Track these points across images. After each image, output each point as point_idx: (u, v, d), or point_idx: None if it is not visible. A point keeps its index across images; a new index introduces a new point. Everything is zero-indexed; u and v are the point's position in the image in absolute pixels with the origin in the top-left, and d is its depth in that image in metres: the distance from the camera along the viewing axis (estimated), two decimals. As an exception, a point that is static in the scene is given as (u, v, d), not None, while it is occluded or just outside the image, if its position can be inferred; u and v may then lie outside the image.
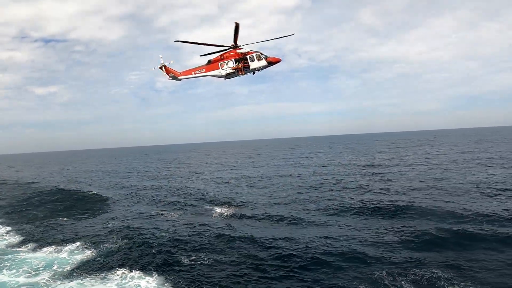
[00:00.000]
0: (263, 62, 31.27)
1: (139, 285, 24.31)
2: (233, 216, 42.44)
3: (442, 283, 21.93)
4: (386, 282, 22.35)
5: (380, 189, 51.99)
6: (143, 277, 25.48)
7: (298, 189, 58.06)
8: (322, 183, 61.47)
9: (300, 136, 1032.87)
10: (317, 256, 26.99)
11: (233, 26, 27.93)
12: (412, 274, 23.24)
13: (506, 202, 39.92)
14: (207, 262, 27.28)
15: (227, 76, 31.79)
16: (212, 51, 30.74)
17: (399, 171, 70.95)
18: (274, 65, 31.88)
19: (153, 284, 24.31)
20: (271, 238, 32.02)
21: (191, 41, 28.86)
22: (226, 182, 72.92)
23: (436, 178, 59.07)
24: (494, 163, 74.95)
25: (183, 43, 28.84)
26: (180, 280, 24.55)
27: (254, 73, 31.76)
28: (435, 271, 23.23)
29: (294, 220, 38.29)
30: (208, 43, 29.56)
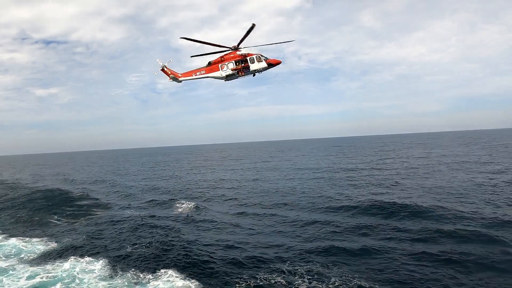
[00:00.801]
0: (263, 64, 31.39)
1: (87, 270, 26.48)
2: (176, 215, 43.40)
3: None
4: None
5: (337, 194, 51.94)
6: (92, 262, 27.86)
7: (256, 193, 58.45)
8: (282, 187, 61.68)
9: (300, 139, 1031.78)
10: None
11: (249, 26, 27.76)
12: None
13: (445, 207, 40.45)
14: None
15: (227, 77, 31.88)
16: (204, 53, 31.03)
17: (366, 175, 71.64)
18: (274, 67, 32.01)
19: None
20: (211, 242, 32.82)
21: (196, 39, 29.19)
22: (197, 183, 73.95)
23: (396, 182, 59.82)
24: (463, 166, 75.54)
25: (187, 40, 28.86)
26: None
27: (254, 75, 31.93)
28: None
29: (233, 225, 38.87)
30: (211, 42, 29.81)
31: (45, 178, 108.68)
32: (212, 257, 27.75)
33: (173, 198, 56.69)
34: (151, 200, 56.41)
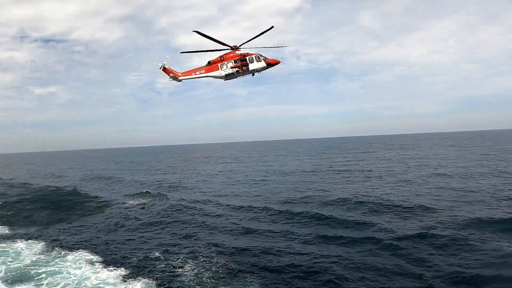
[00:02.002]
0: (262, 64, 31.61)
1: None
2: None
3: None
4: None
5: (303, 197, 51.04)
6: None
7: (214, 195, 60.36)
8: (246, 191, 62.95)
9: (299, 139, 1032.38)
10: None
11: (268, 27, 28.68)
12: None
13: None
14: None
15: (227, 77, 32.01)
16: (194, 50, 31.11)
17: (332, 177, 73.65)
18: (273, 67, 32.27)
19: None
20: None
21: (195, 50, 30.02)
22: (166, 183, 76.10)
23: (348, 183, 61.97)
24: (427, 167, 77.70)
25: (199, 34, 28.89)
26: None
27: (253, 75, 32.12)
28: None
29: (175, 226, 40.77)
30: (210, 49, 30.34)
31: (34, 176, 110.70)
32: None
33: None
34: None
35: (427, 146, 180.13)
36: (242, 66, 31.45)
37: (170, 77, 31.64)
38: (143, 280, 24.20)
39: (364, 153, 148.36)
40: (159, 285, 23.48)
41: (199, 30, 27.84)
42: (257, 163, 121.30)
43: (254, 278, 23.92)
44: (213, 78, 32.29)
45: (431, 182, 57.21)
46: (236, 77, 32.20)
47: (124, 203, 53.62)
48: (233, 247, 30.16)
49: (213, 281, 23.73)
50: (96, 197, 60.44)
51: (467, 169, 70.30)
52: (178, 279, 24.37)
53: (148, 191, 62.86)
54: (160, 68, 31.25)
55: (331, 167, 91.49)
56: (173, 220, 41.27)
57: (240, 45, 30.92)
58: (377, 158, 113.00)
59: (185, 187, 69.36)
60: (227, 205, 48.21)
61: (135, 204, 52.46)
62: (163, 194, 58.47)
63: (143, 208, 49.71)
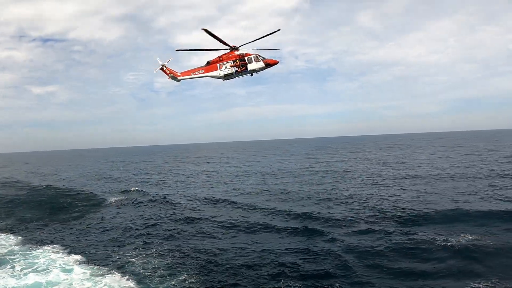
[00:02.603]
0: (261, 64, 31.94)
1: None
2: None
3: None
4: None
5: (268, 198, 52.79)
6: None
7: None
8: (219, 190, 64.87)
9: (297, 138, 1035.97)
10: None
11: (276, 30, 29.11)
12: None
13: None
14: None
15: (226, 77, 32.26)
16: (191, 48, 31.74)
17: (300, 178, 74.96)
18: (271, 67, 32.65)
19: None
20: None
21: (192, 48, 30.22)
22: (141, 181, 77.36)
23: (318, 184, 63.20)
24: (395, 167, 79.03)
25: (183, 51, 29.50)
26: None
27: (252, 75, 32.45)
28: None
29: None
30: (207, 48, 30.59)
31: (47, 177, 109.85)
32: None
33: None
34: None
35: (417, 146, 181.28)
36: (241, 66, 31.78)
37: (170, 77, 31.99)
38: (111, 276, 25.36)
39: (351, 153, 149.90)
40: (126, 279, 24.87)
41: (198, 33, 28.09)
42: (241, 163, 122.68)
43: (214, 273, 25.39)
44: (212, 78, 32.62)
45: (396, 184, 57.69)
46: (235, 77, 32.56)
47: (102, 200, 56.53)
48: (188, 245, 31.91)
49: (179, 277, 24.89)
50: (74, 194, 63.22)
51: (442, 170, 70.87)
52: (136, 271, 25.93)
53: (126, 190, 65.32)
54: (160, 68, 31.62)
55: (310, 167, 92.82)
56: (141, 216, 43.56)
57: (239, 46, 31.31)
58: (360, 159, 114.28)
59: (163, 187, 71.35)
60: (194, 204, 50.19)
61: (112, 201, 55.02)
62: (141, 191, 61.59)
63: (118, 207, 51.87)
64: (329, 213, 40.12)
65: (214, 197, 53.89)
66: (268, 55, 32.55)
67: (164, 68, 31.54)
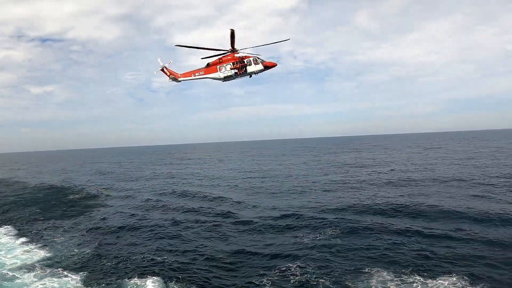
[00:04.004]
0: (260, 66, 32.62)
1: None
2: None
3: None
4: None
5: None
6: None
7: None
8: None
9: (294, 138, 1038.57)
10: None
11: (229, 32, 29.64)
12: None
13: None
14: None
15: (225, 78, 32.92)
16: (190, 45, 31.43)
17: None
18: (270, 69, 33.36)
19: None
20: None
21: (190, 45, 30.53)
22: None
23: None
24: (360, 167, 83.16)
25: (183, 47, 29.81)
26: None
27: (250, 76, 33.15)
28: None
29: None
30: (207, 47, 31.31)
31: (46, 177, 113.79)
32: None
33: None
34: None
35: (398, 147, 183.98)
36: (240, 68, 32.38)
37: (170, 78, 32.63)
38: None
39: (330, 154, 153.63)
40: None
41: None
42: (214, 164, 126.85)
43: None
44: (211, 79, 33.34)
45: (343, 188, 58.00)
46: (234, 79, 33.23)
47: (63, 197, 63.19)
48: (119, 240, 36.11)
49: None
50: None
51: (401, 173, 71.00)
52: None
53: (88, 190, 70.43)
54: (160, 69, 32.09)
55: (277, 168, 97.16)
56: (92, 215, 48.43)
57: (233, 48, 31.89)
58: (333, 161, 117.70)
59: (125, 188, 75.75)
60: (141, 203, 54.90)
61: (75, 198, 62.18)
62: (102, 193, 67.32)
63: (77, 204, 57.15)
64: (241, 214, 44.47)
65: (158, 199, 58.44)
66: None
67: (165, 70, 32.32)
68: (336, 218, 38.26)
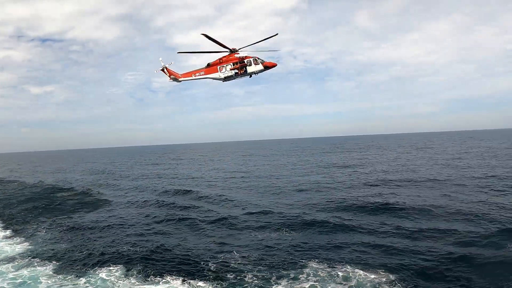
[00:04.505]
0: (260, 66, 32.85)
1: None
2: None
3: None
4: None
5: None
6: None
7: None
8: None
9: (294, 138, 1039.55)
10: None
11: (274, 34, 30.57)
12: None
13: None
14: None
15: (226, 79, 33.16)
16: (192, 51, 32.03)
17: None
18: (270, 69, 33.64)
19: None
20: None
21: (193, 51, 30.96)
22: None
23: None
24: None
25: (184, 53, 30.61)
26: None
27: (250, 76, 33.45)
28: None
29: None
30: (208, 50, 31.41)
31: (45, 176, 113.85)
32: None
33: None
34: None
35: (391, 147, 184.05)
36: (240, 68, 32.61)
37: (171, 78, 32.95)
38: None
39: (321, 154, 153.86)
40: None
41: (196, 33, 31.07)
42: (203, 164, 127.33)
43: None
44: (212, 79, 33.60)
45: (317, 188, 57.87)
46: (234, 79, 33.49)
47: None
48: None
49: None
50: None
51: (380, 174, 71.20)
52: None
53: (77, 188, 72.72)
54: (161, 69, 32.33)
55: (262, 169, 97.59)
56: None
57: (239, 49, 32.36)
58: (321, 161, 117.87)
59: (113, 187, 77.21)
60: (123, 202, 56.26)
61: (64, 196, 63.76)
62: (90, 191, 68.43)
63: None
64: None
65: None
66: (266, 57, 34.14)
67: (166, 70, 32.64)
68: (296, 216, 39.06)
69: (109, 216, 46.18)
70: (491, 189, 49.09)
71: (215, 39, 29.57)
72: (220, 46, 31.32)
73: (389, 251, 27.80)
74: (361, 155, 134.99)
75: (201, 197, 55.87)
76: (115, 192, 67.83)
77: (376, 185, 57.58)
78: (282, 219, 38.32)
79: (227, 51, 32.28)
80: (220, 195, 55.41)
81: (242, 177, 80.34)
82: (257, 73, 33.21)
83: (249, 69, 32.72)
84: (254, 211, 42.85)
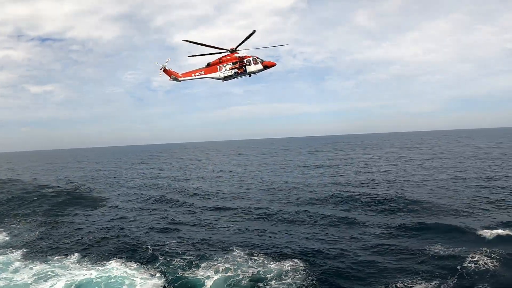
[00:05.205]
0: (259, 66, 33.10)
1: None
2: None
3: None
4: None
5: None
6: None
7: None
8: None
9: (293, 137, 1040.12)
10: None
11: (249, 32, 30.07)
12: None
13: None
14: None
15: (225, 78, 33.38)
16: (202, 53, 32.23)
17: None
18: (269, 69, 33.93)
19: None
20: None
21: (198, 42, 30.48)
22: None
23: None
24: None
25: (190, 42, 30.30)
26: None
27: (250, 76, 33.70)
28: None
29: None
30: (212, 45, 31.30)
31: (45, 176, 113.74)
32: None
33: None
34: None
35: (382, 146, 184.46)
36: (240, 68, 32.85)
37: (171, 78, 32.95)
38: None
39: (307, 153, 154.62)
40: None
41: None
42: (188, 164, 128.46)
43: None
44: (211, 79, 33.77)
45: (281, 188, 59.07)
46: (233, 78, 33.74)
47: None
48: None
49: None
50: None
51: (350, 175, 71.89)
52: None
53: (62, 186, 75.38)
54: (161, 69, 32.50)
55: (236, 170, 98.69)
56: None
57: (237, 47, 32.46)
58: (302, 161, 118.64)
59: (97, 184, 79.88)
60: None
61: (48, 192, 65.85)
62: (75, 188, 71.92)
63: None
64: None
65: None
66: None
67: (166, 70, 32.69)
68: (241, 211, 42.95)
69: (80, 211, 49.76)
70: (444, 191, 49.76)
71: (198, 42, 30.16)
72: (216, 48, 31.69)
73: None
74: (345, 155, 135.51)
75: (168, 193, 59.72)
76: (92, 190, 69.52)
77: (336, 184, 59.16)
78: (227, 215, 41.92)
79: (227, 50, 32.58)
80: (185, 191, 59.76)
81: (216, 176, 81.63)
82: (257, 72, 33.53)
83: (249, 68, 33.00)
84: (208, 206, 47.45)
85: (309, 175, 74.41)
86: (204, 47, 30.68)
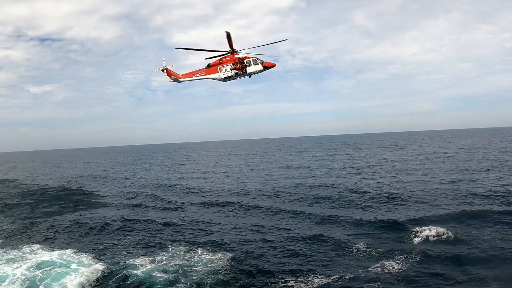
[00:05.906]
0: (259, 67, 33.66)
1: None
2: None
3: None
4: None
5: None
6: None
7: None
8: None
9: (293, 136, 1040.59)
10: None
11: (225, 34, 30.66)
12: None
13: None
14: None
15: (225, 79, 33.95)
16: (190, 48, 32.71)
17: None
18: (269, 69, 34.49)
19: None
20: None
21: (191, 47, 31.32)
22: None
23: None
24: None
25: (184, 49, 31.07)
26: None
27: (250, 76, 34.27)
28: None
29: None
30: (207, 49, 32.36)
31: (45, 176, 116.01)
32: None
33: None
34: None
35: (373, 146, 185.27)
36: (240, 68, 33.34)
37: (171, 79, 33.74)
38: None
39: (296, 153, 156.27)
40: None
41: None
42: (176, 163, 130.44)
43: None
44: (212, 80, 34.38)
45: (257, 190, 60.31)
46: (234, 79, 34.25)
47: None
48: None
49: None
50: None
51: (328, 177, 73.24)
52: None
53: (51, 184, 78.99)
54: (162, 70, 33.03)
55: (219, 171, 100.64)
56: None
57: (232, 49, 32.83)
58: (288, 161, 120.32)
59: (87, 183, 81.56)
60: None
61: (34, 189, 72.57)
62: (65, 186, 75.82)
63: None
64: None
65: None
66: (266, 54, 35.68)
67: (166, 71, 33.41)
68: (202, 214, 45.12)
69: (64, 206, 54.05)
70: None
71: (191, 47, 31.46)
72: (216, 52, 32.74)
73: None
74: (329, 155, 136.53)
75: (142, 192, 64.09)
76: (87, 186, 71.48)
77: (299, 185, 61.49)
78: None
79: (226, 51, 33.06)
80: (159, 192, 62.69)
81: (194, 177, 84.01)
82: (257, 73, 34.13)
83: (249, 69, 33.54)
84: (164, 206, 51.08)
85: (287, 175, 76.66)
86: (202, 45, 32.05)
